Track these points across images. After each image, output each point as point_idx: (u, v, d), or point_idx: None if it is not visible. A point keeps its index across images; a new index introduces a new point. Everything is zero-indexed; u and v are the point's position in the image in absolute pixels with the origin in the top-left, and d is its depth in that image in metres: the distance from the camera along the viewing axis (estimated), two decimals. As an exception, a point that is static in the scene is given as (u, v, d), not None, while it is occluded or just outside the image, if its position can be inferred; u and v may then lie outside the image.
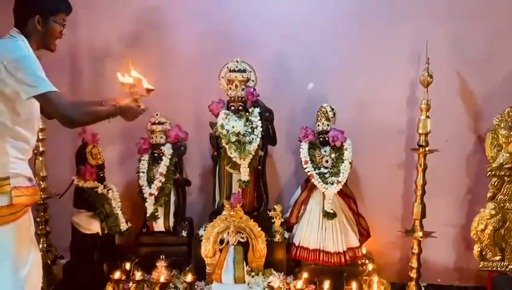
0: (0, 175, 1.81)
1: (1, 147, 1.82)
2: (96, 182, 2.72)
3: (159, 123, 2.84)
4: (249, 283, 2.53)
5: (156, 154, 2.83)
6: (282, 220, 2.77)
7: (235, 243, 2.59)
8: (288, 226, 2.82)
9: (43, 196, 2.84)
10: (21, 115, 1.84)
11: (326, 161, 2.70)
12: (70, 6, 2.00)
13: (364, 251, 2.75)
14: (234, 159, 2.69)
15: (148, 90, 2.15)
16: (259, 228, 2.59)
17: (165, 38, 3.07)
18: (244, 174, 2.70)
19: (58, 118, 1.81)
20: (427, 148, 2.55)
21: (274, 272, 2.64)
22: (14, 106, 1.80)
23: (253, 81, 2.78)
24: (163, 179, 2.78)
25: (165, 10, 3.05)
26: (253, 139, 2.66)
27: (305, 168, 2.66)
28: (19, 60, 1.75)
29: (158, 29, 3.06)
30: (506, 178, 2.66)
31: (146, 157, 2.85)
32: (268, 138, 2.80)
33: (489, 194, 2.70)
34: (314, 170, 2.65)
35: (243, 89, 2.73)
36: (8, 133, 1.82)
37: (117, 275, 2.51)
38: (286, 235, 2.79)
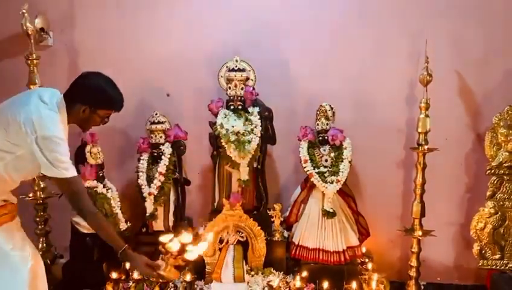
0: None
1: None
2: (95, 182, 2.71)
3: (159, 122, 2.83)
4: (248, 282, 2.53)
5: (155, 154, 2.83)
6: (282, 219, 2.77)
7: (235, 242, 2.60)
8: (287, 225, 2.82)
9: (42, 196, 2.84)
10: (16, 170, 1.88)
11: (326, 160, 2.70)
12: (122, 106, 2.03)
13: (363, 249, 2.76)
14: (234, 159, 2.69)
15: (183, 261, 1.96)
16: (259, 227, 2.60)
17: (164, 38, 3.07)
18: (244, 173, 2.70)
19: (71, 203, 1.90)
20: (426, 147, 2.55)
21: (273, 271, 2.64)
22: (15, 160, 1.84)
23: (252, 80, 2.78)
24: (162, 179, 2.77)
25: (165, 9, 3.05)
26: (252, 138, 2.66)
27: (305, 167, 2.66)
28: (53, 139, 1.79)
29: (157, 28, 3.06)
30: (505, 177, 2.67)
31: (145, 156, 2.84)
32: (268, 137, 2.80)
33: (488, 193, 2.70)
34: (314, 169, 2.65)
35: (242, 88, 2.73)
36: None
37: (116, 274, 2.51)
38: (286, 234, 2.79)
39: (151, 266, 1.94)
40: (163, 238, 1.99)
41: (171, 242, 1.95)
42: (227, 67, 2.76)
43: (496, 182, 2.68)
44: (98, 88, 1.94)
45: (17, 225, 2.02)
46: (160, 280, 2.19)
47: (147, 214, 2.80)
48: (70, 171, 1.84)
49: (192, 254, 1.94)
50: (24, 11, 2.66)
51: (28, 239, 2.05)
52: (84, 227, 2.70)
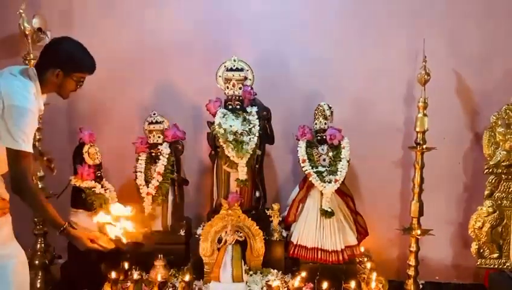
0: None
1: None
2: (93, 182, 2.71)
3: (157, 122, 2.83)
4: (247, 282, 2.52)
5: (153, 154, 2.83)
6: (280, 218, 2.77)
7: (233, 242, 2.59)
8: (286, 224, 2.81)
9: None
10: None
11: (324, 160, 2.70)
12: (94, 68, 2.01)
13: (362, 249, 2.75)
14: (232, 158, 2.69)
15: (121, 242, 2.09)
16: (257, 227, 2.59)
17: (163, 37, 3.06)
18: (242, 173, 2.70)
19: (12, 177, 1.82)
20: (424, 146, 2.55)
21: (272, 270, 2.64)
22: None
23: (250, 80, 2.78)
24: (160, 179, 2.77)
25: (164, 9, 3.04)
26: (250, 138, 2.66)
27: (303, 167, 2.66)
28: (18, 109, 1.76)
29: (156, 27, 3.06)
30: (503, 176, 2.68)
31: (143, 156, 2.84)
32: (266, 136, 2.80)
33: (486, 192, 2.71)
34: (312, 168, 2.65)
35: (240, 88, 2.73)
36: None
37: (115, 274, 2.51)
38: (284, 233, 2.79)
39: (91, 238, 2.00)
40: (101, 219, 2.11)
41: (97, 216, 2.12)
42: (225, 66, 2.75)
43: (494, 181, 2.69)
44: (68, 51, 1.94)
45: (7, 221, 1.98)
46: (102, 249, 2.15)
47: (145, 214, 2.79)
48: (27, 146, 1.78)
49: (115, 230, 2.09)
50: (21, 11, 2.66)
51: (13, 236, 2.01)
52: (83, 227, 2.69)
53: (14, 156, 1.80)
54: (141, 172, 2.80)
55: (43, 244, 2.88)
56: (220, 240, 2.62)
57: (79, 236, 1.97)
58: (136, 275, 2.53)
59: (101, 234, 2.06)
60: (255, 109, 2.73)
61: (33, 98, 1.83)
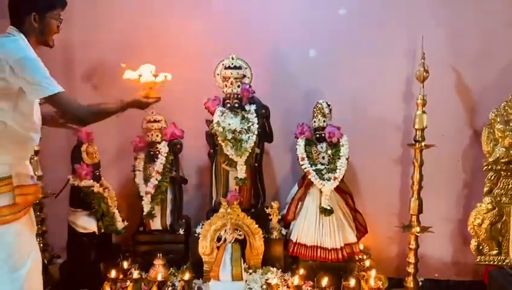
0: (1, 175, 1.80)
1: (2, 146, 1.81)
2: (92, 181, 2.71)
3: (155, 121, 2.82)
4: (246, 280, 2.52)
5: (152, 153, 2.82)
6: (280, 217, 2.77)
7: (233, 241, 2.59)
8: (285, 223, 2.81)
9: (39, 196, 2.82)
10: (23, 114, 1.84)
11: (323, 158, 2.70)
12: (66, 1, 1.98)
13: (361, 246, 2.76)
14: (231, 157, 2.68)
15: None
16: (257, 225, 2.59)
17: (161, 37, 3.05)
18: (241, 171, 2.70)
19: (69, 117, 1.90)
20: (423, 144, 2.55)
21: (272, 269, 2.64)
22: (16, 104, 1.80)
23: (248, 78, 2.77)
24: (159, 177, 2.76)
25: (163, 8, 3.03)
26: (249, 136, 2.65)
27: (302, 165, 2.66)
28: (24, 61, 1.75)
29: (155, 27, 3.04)
30: (502, 172, 2.67)
31: (142, 155, 2.84)
32: (265, 134, 2.79)
33: (485, 189, 2.71)
34: (311, 166, 2.65)
35: (238, 86, 2.72)
36: (9, 132, 1.81)
37: (114, 274, 2.50)
38: (283, 232, 2.79)
39: (144, 97, 2.26)
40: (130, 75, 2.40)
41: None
42: (223, 65, 2.74)
43: (493, 177, 2.69)
44: None
45: (33, 217, 1.99)
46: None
47: (144, 213, 2.79)
48: (56, 86, 1.79)
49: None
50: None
51: (35, 239, 2.00)
52: (81, 227, 2.70)
53: (56, 100, 1.81)
54: (140, 171, 2.80)
55: (41, 244, 2.86)
56: (219, 239, 2.61)
57: (137, 100, 2.21)
58: (135, 274, 2.53)
59: (146, 92, 2.31)
60: (253, 107, 2.72)
61: (28, 47, 1.82)
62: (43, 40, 1.94)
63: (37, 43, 1.92)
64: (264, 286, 2.48)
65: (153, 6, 3.04)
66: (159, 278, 2.48)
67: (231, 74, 2.71)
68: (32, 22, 1.87)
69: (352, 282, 2.45)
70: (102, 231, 2.74)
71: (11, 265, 1.81)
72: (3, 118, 1.79)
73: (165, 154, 2.79)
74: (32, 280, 1.91)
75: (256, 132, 2.68)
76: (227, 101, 2.74)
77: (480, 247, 2.72)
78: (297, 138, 2.74)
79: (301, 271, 2.54)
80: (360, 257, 2.73)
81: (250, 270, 2.61)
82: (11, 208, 1.81)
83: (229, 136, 2.64)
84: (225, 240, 2.60)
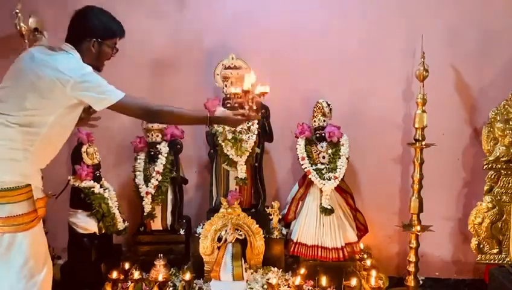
0: (21, 183, 1.81)
1: (27, 155, 1.82)
2: (92, 182, 2.70)
3: (155, 122, 2.82)
4: (247, 280, 2.53)
5: (152, 153, 2.82)
6: (280, 216, 2.77)
7: (233, 241, 2.59)
8: (286, 222, 2.82)
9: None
10: (64, 127, 1.90)
11: (323, 157, 2.70)
12: (124, 31, 2.05)
13: (362, 246, 2.76)
14: (231, 157, 2.69)
15: (260, 94, 2.14)
16: (257, 225, 2.59)
17: (160, 35, 3.05)
18: (241, 171, 2.70)
19: (139, 114, 1.93)
20: (423, 143, 2.55)
21: (272, 268, 2.64)
22: (62, 117, 1.85)
23: (248, 77, 2.76)
24: (160, 178, 2.77)
25: (161, 7, 3.03)
26: (249, 136, 2.65)
27: (302, 165, 2.66)
28: (86, 77, 1.81)
29: (153, 26, 3.04)
30: (502, 171, 2.67)
31: (142, 156, 2.84)
32: (265, 134, 2.79)
33: (486, 187, 2.70)
34: (311, 166, 2.65)
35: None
36: (39, 142, 1.84)
37: (115, 274, 2.50)
38: (284, 231, 2.79)
39: (237, 114, 2.08)
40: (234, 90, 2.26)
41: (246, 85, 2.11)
42: (223, 65, 2.75)
43: (493, 176, 2.69)
44: (98, 19, 1.96)
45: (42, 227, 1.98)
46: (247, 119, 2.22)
47: (145, 214, 2.79)
48: (118, 94, 1.85)
49: (263, 88, 2.15)
50: (18, 11, 2.64)
51: (47, 249, 1.99)
52: (82, 227, 2.70)
53: (122, 107, 1.86)
54: (140, 171, 2.80)
55: (42, 245, 2.87)
56: (220, 239, 2.62)
57: (227, 116, 2.08)
58: (136, 274, 2.53)
59: (237, 111, 2.11)
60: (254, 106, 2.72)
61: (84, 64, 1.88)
62: (95, 64, 2.00)
63: (89, 64, 1.96)
64: (265, 286, 2.48)
65: (150, 5, 3.03)
66: (160, 278, 2.48)
67: (231, 73, 2.71)
68: (90, 47, 1.94)
69: (353, 281, 2.45)
70: (103, 231, 2.74)
71: (27, 272, 1.82)
72: (41, 128, 1.82)
73: (166, 155, 2.79)
74: (46, 289, 1.92)
75: (256, 132, 2.68)
76: (227, 101, 2.74)
77: (481, 246, 2.72)
78: (298, 138, 2.75)
79: (302, 271, 2.54)
80: (361, 256, 2.73)
81: (251, 270, 2.61)
82: (29, 216, 1.82)
83: (229, 136, 2.64)
84: (226, 240, 2.60)
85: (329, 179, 2.61)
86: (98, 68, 2.02)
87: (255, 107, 2.11)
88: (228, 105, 2.70)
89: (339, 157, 2.65)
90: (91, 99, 1.83)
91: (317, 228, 2.65)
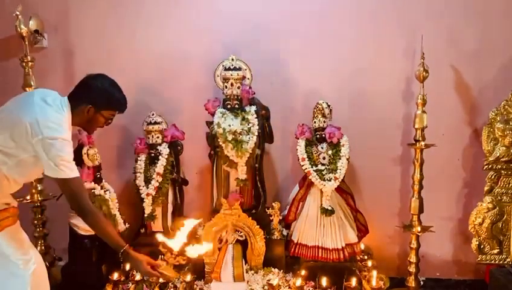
0: None
1: None
2: (93, 183, 2.71)
3: (155, 123, 2.82)
4: (248, 281, 2.53)
5: (152, 154, 2.82)
6: (281, 217, 2.77)
7: (234, 242, 2.59)
8: (286, 223, 2.81)
9: (40, 198, 2.83)
10: (19, 173, 1.89)
11: (324, 158, 2.70)
12: (126, 107, 2.06)
13: (362, 246, 2.76)
14: (231, 158, 2.69)
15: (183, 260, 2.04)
16: (258, 226, 2.59)
17: (160, 37, 3.05)
18: (242, 172, 2.70)
19: (69, 200, 1.87)
20: (423, 143, 2.55)
21: (273, 269, 2.64)
22: (19, 162, 1.84)
23: (248, 79, 2.77)
24: (160, 179, 2.77)
25: (162, 9, 3.04)
26: (249, 137, 2.66)
27: (303, 166, 2.66)
28: (57, 141, 1.79)
29: (153, 28, 3.05)
30: (503, 171, 2.67)
31: (143, 157, 2.83)
32: (265, 135, 2.80)
33: (486, 188, 2.71)
34: (312, 167, 2.65)
35: (238, 87, 2.72)
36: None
37: (116, 276, 2.50)
38: (284, 232, 2.79)
39: (152, 265, 1.95)
40: (162, 238, 2.02)
41: (171, 241, 1.98)
42: (223, 66, 2.75)
43: (493, 177, 2.69)
44: (102, 88, 1.98)
45: (18, 228, 2.01)
46: (161, 280, 2.24)
47: (146, 215, 2.79)
48: (73, 172, 1.84)
49: (193, 252, 1.99)
50: (18, 13, 2.65)
51: (30, 242, 2.04)
52: (83, 229, 2.69)
53: (66, 185, 1.84)
54: (141, 173, 2.80)
55: (43, 247, 2.87)
56: (220, 240, 2.62)
57: (140, 260, 1.94)
58: (137, 276, 2.53)
59: (162, 262, 1.99)
60: (253, 108, 2.72)
61: (67, 127, 1.88)
62: (85, 127, 2.03)
63: (79, 125, 2.00)
64: (266, 287, 2.48)
65: (150, 7, 3.04)
66: (161, 279, 2.48)
67: (231, 75, 2.71)
68: (85, 111, 1.94)
69: (353, 282, 2.45)
70: (104, 233, 2.74)
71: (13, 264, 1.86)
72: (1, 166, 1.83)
73: (166, 156, 2.79)
74: (38, 279, 1.95)
75: (256, 133, 2.68)
76: (228, 102, 2.74)
77: (481, 246, 2.72)
78: (298, 139, 2.75)
79: (302, 272, 2.54)
80: (361, 257, 2.73)
81: (252, 271, 2.61)
82: None
83: (230, 137, 2.64)
84: (226, 241, 2.60)
85: (330, 180, 2.61)
86: (87, 131, 2.07)
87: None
88: (228, 106, 2.70)
89: (339, 158, 2.65)
90: (46, 162, 1.79)
91: (317, 229, 2.65)
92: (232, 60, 2.73)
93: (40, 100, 1.86)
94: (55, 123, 1.81)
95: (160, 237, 2.05)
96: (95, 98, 1.95)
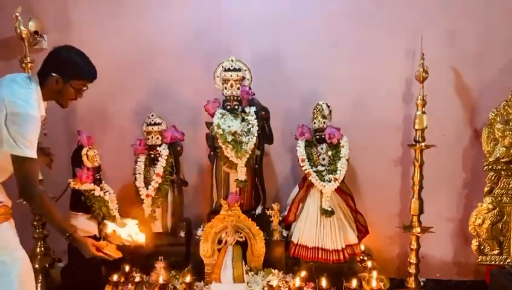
0: None
1: None
2: (92, 185, 2.70)
3: (155, 124, 2.82)
4: (248, 282, 2.52)
5: (152, 155, 2.82)
6: (280, 218, 2.76)
7: (234, 243, 2.59)
8: (286, 224, 2.81)
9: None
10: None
11: (323, 159, 2.70)
12: (95, 77, 2.03)
13: (362, 247, 2.76)
14: (231, 159, 2.68)
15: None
16: (258, 227, 2.59)
17: (160, 38, 3.06)
18: (241, 173, 2.70)
19: (19, 184, 1.83)
20: (423, 144, 2.55)
21: (273, 270, 2.63)
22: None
23: (248, 79, 2.77)
24: (160, 180, 2.76)
25: (162, 9, 3.04)
26: (249, 138, 2.66)
27: (302, 166, 2.66)
28: (21, 116, 1.78)
29: (153, 29, 3.05)
30: (503, 172, 2.67)
31: (142, 158, 2.83)
32: (265, 136, 2.79)
33: (486, 189, 2.71)
34: (311, 168, 2.65)
35: (238, 88, 2.72)
36: None
37: (115, 277, 2.50)
38: (284, 233, 2.79)
39: (97, 246, 2.02)
40: (112, 225, 2.20)
41: (104, 227, 2.18)
42: (222, 67, 2.74)
43: (493, 177, 2.69)
44: (68, 58, 1.96)
45: (11, 227, 1.99)
46: (160, 280, 2.33)
47: (145, 216, 2.79)
48: (30, 152, 1.80)
49: (125, 233, 2.16)
50: (17, 14, 2.65)
51: (18, 242, 2.01)
52: (82, 230, 2.68)
53: (19, 163, 1.81)
54: (140, 174, 2.80)
55: (42, 248, 2.87)
56: (220, 241, 2.61)
57: (85, 243, 1.99)
58: (137, 277, 2.53)
59: (107, 243, 2.08)
60: (253, 109, 2.72)
61: (36, 103, 1.85)
62: (56, 100, 2.01)
63: (51, 99, 1.98)
64: (266, 288, 2.48)
65: (151, 8, 3.04)
66: (161, 281, 2.47)
67: (231, 76, 2.71)
68: (54, 82, 1.93)
69: (353, 283, 2.45)
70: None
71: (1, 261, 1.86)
72: None
73: (166, 157, 2.79)
74: (24, 279, 1.94)
75: (256, 134, 2.68)
76: (227, 103, 2.74)
77: (482, 247, 2.72)
78: (298, 140, 2.74)
79: (302, 273, 2.53)
80: (361, 257, 2.73)
81: (252, 272, 2.60)
82: None
83: (229, 138, 2.64)
84: (226, 242, 2.60)
85: (330, 181, 2.61)
86: (60, 104, 2.03)
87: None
88: (228, 107, 2.70)
89: (339, 159, 2.65)
90: (6, 136, 1.77)
91: (317, 230, 2.65)
92: (232, 60, 2.73)
93: (8, 81, 1.86)
94: (21, 99, 1.79)
95: (110, 225, 2.17)
96: (61, 68, 1.93)
